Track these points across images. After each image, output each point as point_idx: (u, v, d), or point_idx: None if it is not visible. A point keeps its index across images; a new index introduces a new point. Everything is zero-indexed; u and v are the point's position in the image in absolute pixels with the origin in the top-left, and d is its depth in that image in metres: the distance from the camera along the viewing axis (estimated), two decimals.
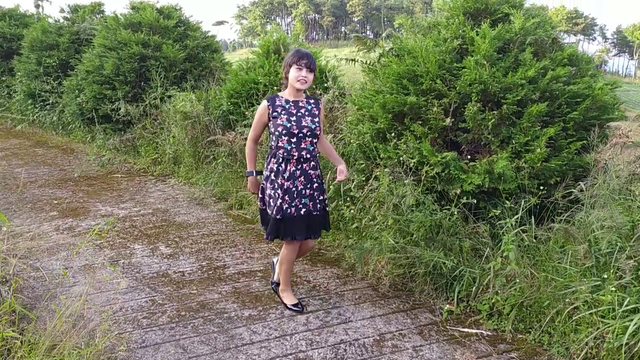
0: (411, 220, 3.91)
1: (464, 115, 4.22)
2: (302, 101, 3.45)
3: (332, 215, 4.78)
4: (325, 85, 6.11)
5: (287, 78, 3.39)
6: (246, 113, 6.22)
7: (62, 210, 5.77)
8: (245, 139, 5.88)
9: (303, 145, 3.38)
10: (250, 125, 3.64)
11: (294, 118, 3.36)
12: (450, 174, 4.05)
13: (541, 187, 3.91)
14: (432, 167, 4.08)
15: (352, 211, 4.41)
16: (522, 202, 3.77)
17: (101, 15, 11.10)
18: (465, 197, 4.00)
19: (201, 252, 4.62)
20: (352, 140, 4.66)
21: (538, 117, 4.07)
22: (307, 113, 3.42)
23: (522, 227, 3.76)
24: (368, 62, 5.15)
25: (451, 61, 4.40)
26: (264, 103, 3.42)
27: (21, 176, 7.08)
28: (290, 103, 3.40)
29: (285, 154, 3.36)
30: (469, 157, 4.17)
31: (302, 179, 3.42)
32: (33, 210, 5.76)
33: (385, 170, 4.28)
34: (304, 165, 3.42)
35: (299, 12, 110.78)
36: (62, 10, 11.41)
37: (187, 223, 5.35)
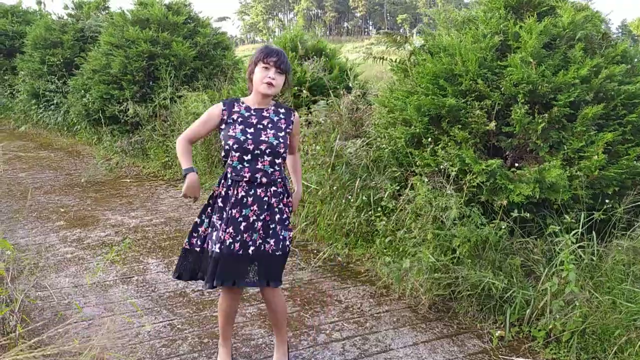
0: (454, 234, 3.55)
1: (509, 118, 3.87)
2: (267, 110, 2.66)
3: (361, 226, 4.43)
4: (349, 84, 5.75)
5: (251, 80, 2.63)
6: None
7: (69, 219, 5.42)
8: None
9: (259, 166, 2.57)
10: None
11: (251, 130, 2.57)
12: (495, 183, 3.69)
13: (607, 200, 3.54)
14: (475, 176, 3.71)
15: (384, 223, 4.06)
16: (582, 215, 3.40)
17: (106, 11, 10.75)
18: (512, 209, 3.65)
19: None
20: (383, 145, 4.29)
21: (593, 120, 3.71)
22: (270, 125, 2.62)
23: (579, 243, 3.40)
24: (397, 60, 4.78)
25: (492, 59, 4.03)
26: (219, 105, 2.64)
27: (26, 182, 6.74)
28: (252, 111, 2.62)
29: (233, 174, 2.59)
30: (515, 164, 3.80)
31: (254, 207, 2.60)
32: (39, 219, 5.42)
33: (423, 178, 3.93)
34: (259, 190, 2.60)
35: (301, 7, 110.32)
36: (65, 7, 11.06)
37: None
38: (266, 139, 2.57)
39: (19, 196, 6.17)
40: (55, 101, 9.94)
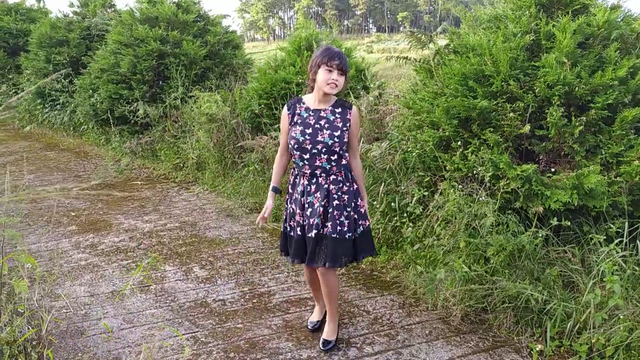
0: (489, 243, 3.40)
1: (543, 121, 3.72)
2: (325, 110, 2.91)
3: (386, 232, 4.28)
4: (366, 84, 5.60)
5: (313, 80, 2.88)
6: (279, 115, 5.72)
7: (81, 224, 5.28)
8: (278, 144, 5.40)
9: (317, 163, 2.89)
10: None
11: (310, 131, 2.87)
12: (531, 189, 3.54)
13: None
14: (508, 182, 3.56)
15: (411, 230, 3.91)
16: (626, 224, 3.25)
17: (112, 9, 10.58)
18: (547, 216, 3.50)
19: (240, 275, 4.12)
20: (409, 149, 4.14)
21: (632, 123, 3.56)
22: (327, 125, 2.88)
23: (621, 253, 3.25)
24: (421, 60, 4.62)
25: (523, 59, 3.88)
26: (284, 110, 2.98)
27: (34, 184, 6.59)
28: (310, 112, 2.91)
29: (296, 169, 3.01)
30: (551, 169, 3.65)
31: (318, 194, 2.93)
32: (49, 224, 5.27)
33: (453, 184, 3.78)
34: (320, 179, 2.93)
35: (302, 5, 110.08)
36: (71, 4, 10.88)
37: (219, 239, 4.85)
38: (322, 139, 2.85)
39: (27, 199, 6.02)
40: (61, 100, 9.78)
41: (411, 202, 3.98)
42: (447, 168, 3.84)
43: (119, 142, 7.86)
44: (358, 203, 3.06)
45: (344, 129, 2.89)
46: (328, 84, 2.80)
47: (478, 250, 3.55)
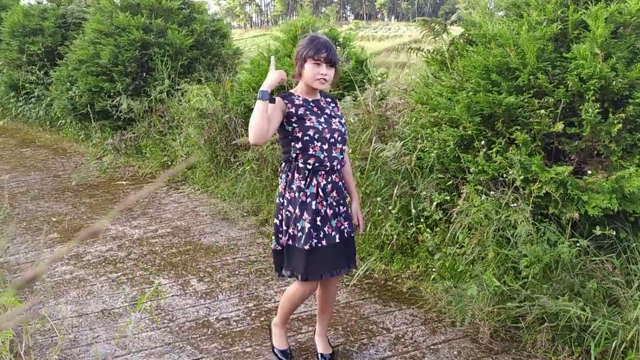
0: (524, 254, 3.09)
1: (576, 117, 3.41)
2: (322, 101, 2.69)
3: (399, 238, 3.95)
4: (370, 77, 5.24)
5: (300, 74, 2.61)
6: None
7: (63, 230, 4.85)
8: (276, 141, 5.03)
9: (334, 154, 2.63)
10: None
11: (323, 119, 2.60)
12: (566, 193, 3.23)
13: None
14: (541, 185, 3.25)
15: (430, 237, 3.59)
16: None
17: None
18: (582, 222, 3.22)
19: (243, 288, 3.76)
20: (427, 148, 3.80)
21: None
22: (332, 114, 2.68)
23: None
24: (434, 51, 4.28)
25: (550, 50, 3.56)
26: (277, 98, 2.54)
27: (9, 185, 6.12)
28: (311, 103, 2.63)
29: (316, 164, 2.57)
30: (587, 171, 3.35)
31: (334, 194, 2.67)
32: (28, 231, 4.84)
33: (478, 187, 3.46)
34: (334, 177, 2.66)
35: None
36: None
37: (216, 246, 4.48)
38: (336, 127, 2.64)
39: (4, 203, 5.56)
40: (36, 93, 9.24)
41: (430, 206, 3.66)
42: (470, 170, 3.52)
43: (101, 138, 7.40)
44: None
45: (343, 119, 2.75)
46: (317, 80, 2.54)
47: (508, 261, 3.25)
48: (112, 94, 7.02)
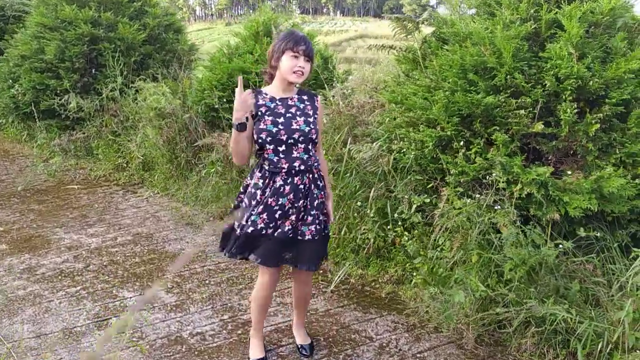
0: (509, 257, 3.04)
1: (553, 117, 3.40)
2: (291, 98, 2.63)
3: (376, 242, 3.85)
4: (334, 75, 5.11)
5: (274, 67, 2.58)
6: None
7: (12, 241, 4.49)
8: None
9: (295, 155, 2.57)
10: None
11: (282, 120, 2.55)
12: (548, 194, 3.21)
13: None
14: (522, 187, 3.22)
15: (411, 242, 3.51)
16: None
17: None
18: (561, 223, 3.21)
19: (216, 299, 3.57)
20: (404, 150, 3.71)
21: None
22: (298, 113, 2.61)
23: None
24: (405, 49, 4.19)
25: (526, 50, 3.53)
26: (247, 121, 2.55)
27: None
28: (277, 102, 2.58)
29: (271, 166, 2.57)
30: (559, 171, 3.34)
31: (290, 196, 2.60)
32: None
33: (459, 189, 3.40)
34: (296, 179, 2.60)
35: None
36: None
37: (183, 254, 4.25)
38: (297, 127, 2.56)
39: None
40: None
41: (408, 209, 3.57)
42: (450, 172, 3.45)
43: (46, 139, 6.95)
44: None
45: (315, 116, 2.66)
46: (294, 72, 2.50)
47: (490, 264, 3.21)
48: (58, 91, 6.61)
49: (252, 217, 2.58)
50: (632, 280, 2.89)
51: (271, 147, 2.52)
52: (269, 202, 2.57)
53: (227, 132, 5.01)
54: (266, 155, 2.55)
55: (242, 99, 2.41)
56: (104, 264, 4.07)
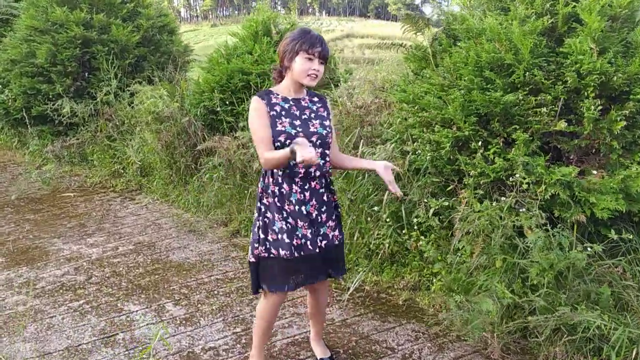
0: (535, 261, 2.91)
1: (578, 115, 3.28)
2: (304, 99, 2.47)
3: (390, 247, 3.71)
4: (337, 75, 4.97)
5: (286, 68, 2.39)
6: (239, 111, 4.98)
7: (8, 253, 4.30)
8: (242, 145, 4.69)
9: None
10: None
11: (299, 122, 2.39)
12: (573, 195, 3.09)
13: None
14: (547, 188, 3.09)
15: (430, 247, 3.38)
16: None
17: None
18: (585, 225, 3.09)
19: (227, 311, 3.41)
20: (420, 151, 3.58)
21: None
22: (313, 115, 2.46)
23: None
24: (415, 47, 4.05)
25: (544, 45, 3.41)
26: (255, 99, 2.38)
27: None
28: (291, 102, 2.42)
29: (287, 170, 2.39)
30: (593, 171, 3.22)
31: (314, 201, 2.46)
32: None
33: (479, 192, 3.27)
34: (313, 183, 2.45)
35: None
36: None
37: (188, 263, 4.09)
38: (315, 130, 2.41)
39: None
40: None
41: (426, 213, 3.43)
42: (470, 173, 3.32)
43: (39, 146, 6.75)
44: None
45: (330, 119, 2.52)
46: (308, 75, 2.33)
47: (514, 269, 3.08)
48: (51, 96, 6.40)
49: (283, 238, 2.37)
50: None
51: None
52: (296, 210, 2.40)
53: (229, 136, 4.85)
54: None
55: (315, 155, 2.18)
56: (107, 275, 3.89)
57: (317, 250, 2.44)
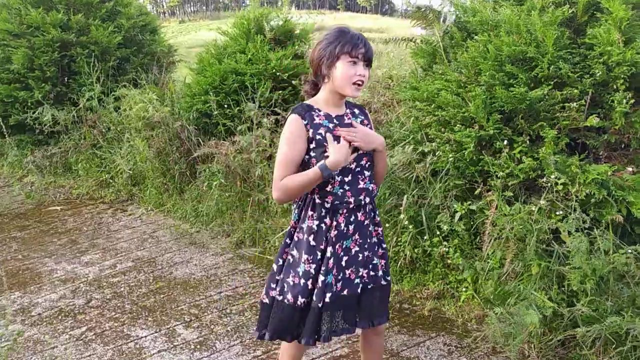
0: (576, 266, 2.75)
1: (605, 109, 3.13)
2: (347, 115, 2.09)
3: (410, 254, 3.52)
4: None
5: (324, 77, 2.01)
6: (234, 114, 4.73)
7: None
8: (242, 150, 4.45)
9: (361, 185, 2.07)
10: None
11: (347, 144, 2.01)
12: (609, 194, 2.93)
13: None
14: (580, 188, 2.93)
15: (459, 254, 3.20)
16: None
17: None
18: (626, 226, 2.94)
19: (243, 331, 3.18)
20: (439, 153, 3.39)
21: None
22: None
23: None
24: (422, 41, 3.86)
25: (566, 36, 3.25)
26: (294, 118, 2.00)
27: None
28: (334, 120, 2.03)
29: (336, 202, 2.03)
30: (628, 168, 3.07)
31: (357, 236, 2.11)
32: None
33: (507, 194, 3.10)
34: (359, 215, 2.10)
35: None
36: None
37: (193, 279, 3.84)
38: (363, 151, 2.06)
39: None
40: None
41: (451, 218, 3.25)
42: (497, 174, 3.14)
43: (18, 156, 6.38)
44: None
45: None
46: (354, 83, 1.97)
47: (550, 275, 2.92)
48: (29, 103, 6.04)
49: (306, 283, 2.05)
50: None
51: (339, 178, 2.01)
52: (334, 251, 2.05)
53: (227, 140, 4.59)
54: (329, 189, 2.01)
55: (347, 149, 1.95)
56: (107, 297, 3.62)
57: (349, 292, 2.10)
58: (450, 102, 3.39)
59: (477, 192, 3.21)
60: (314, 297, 2.04)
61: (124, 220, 4.97)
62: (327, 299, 2.03)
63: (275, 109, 4.54)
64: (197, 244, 4.37)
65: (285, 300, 2.07)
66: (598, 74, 3.05)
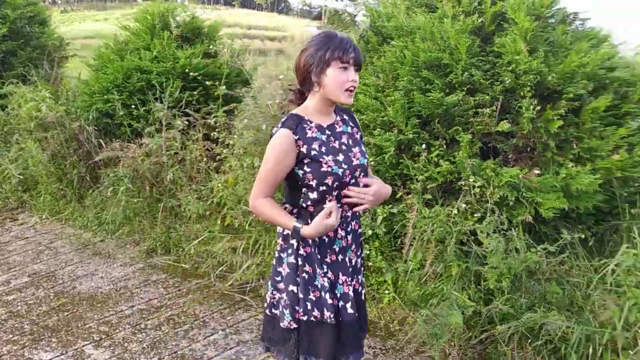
0: (493, 266, 2.87)
1: (513, 115, 3.30)
2: (337, 123, 2.01)
3: None
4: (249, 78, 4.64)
5: (313, 84, 1.91)
6: (141, 115, 4.47)
7: None
8: (149, 153, 4.22)
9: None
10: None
11: (342, 157, 1.92)
12: (523, 196, 3.09)
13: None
14: (495, 190, 3.07)
15: (381, 258, 3.23)
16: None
17: None
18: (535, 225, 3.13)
19: (162, 347, 3.00)
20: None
21: (599, 113, 3.32)
22: (351, 142, 2.01)
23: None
24: None
25: (477, 45, 3.40)
26: (285, 133, 1.87)
27: None
28: (326, 131, 1.95)
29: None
30: (535, 171, 3.25)
31: (354, 246, 2.08)
32: None
33: (426, 196, 3.17)
34: (353, 224, 2.06)
35: None
36: None
37: (100, 293, 3.56)
38: (357, 162, 1.98)
39: None
40: None
41: (373, 221, 3.27)
42: (417, 178, 3.20)
43: None
44: None
45: (363, 140, 2.13)
46: (346, 90, 1.87)
47: (468, 275, 3.03)
48: None
49: (325, 297, 1.95)
50: (610, 279, 2.86)
51: (335, 193, 1.91)
52: (339, 260, 1.99)
53: (134, 143, 4.33)
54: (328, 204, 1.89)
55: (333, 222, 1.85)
56: (3, 318, 3.26)
57: (356, 313, 2.00)
58: (369, 106, 3.42)
59: (398, 195, 3.26)
60: (334, 312, 1.95)
61: (14, 230, 4.52)
62: (339, 318, 1.97)
63: (187, 110, 4.33)
64: (102, 254, 4.07)
65: (312, 319, 1.95)
66: (507, 82, 3.21)
